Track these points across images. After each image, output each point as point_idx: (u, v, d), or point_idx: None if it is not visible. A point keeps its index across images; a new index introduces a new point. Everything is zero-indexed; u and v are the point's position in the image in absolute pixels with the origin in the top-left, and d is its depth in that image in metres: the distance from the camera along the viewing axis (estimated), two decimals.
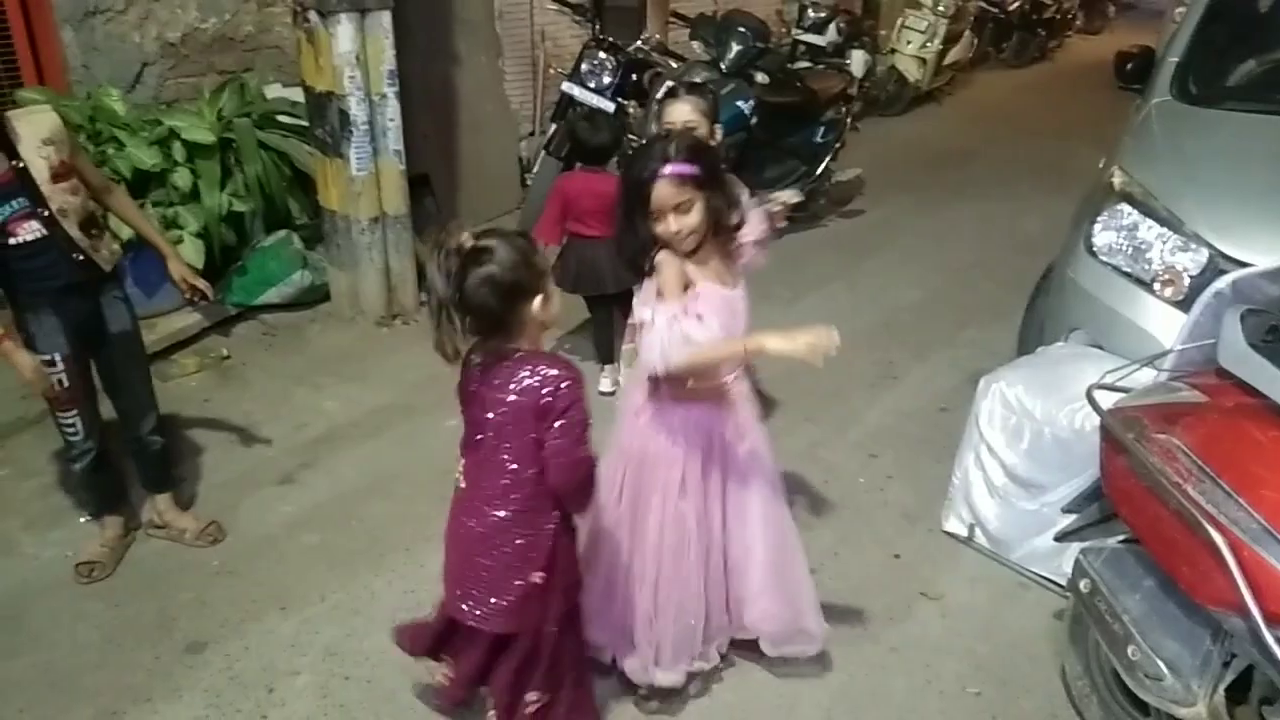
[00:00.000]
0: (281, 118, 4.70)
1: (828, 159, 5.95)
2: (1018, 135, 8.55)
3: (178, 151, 4.08)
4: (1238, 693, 2.00)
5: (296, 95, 4.91)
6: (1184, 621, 2.01)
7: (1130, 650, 2.05)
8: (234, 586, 2.88)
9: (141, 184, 4.02)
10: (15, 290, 2.61)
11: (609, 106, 5.48)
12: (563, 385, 1.84)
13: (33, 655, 2.60)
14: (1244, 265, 2.60)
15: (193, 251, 4.00)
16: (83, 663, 2.58)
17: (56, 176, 2.54)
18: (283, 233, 4.53)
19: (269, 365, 4.21)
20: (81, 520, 3.12)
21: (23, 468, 3.41)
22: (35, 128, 2.54)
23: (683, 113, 2.90)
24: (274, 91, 4.88)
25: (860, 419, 3.88)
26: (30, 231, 2.52)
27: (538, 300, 1.86)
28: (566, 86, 5.55)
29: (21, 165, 2.49)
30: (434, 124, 5.50)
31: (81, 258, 2.61)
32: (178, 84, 4.76)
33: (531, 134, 6.71)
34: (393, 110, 4.23)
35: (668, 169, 2.08)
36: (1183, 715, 1.99)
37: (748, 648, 2.54)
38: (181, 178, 4.04)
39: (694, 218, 2.11)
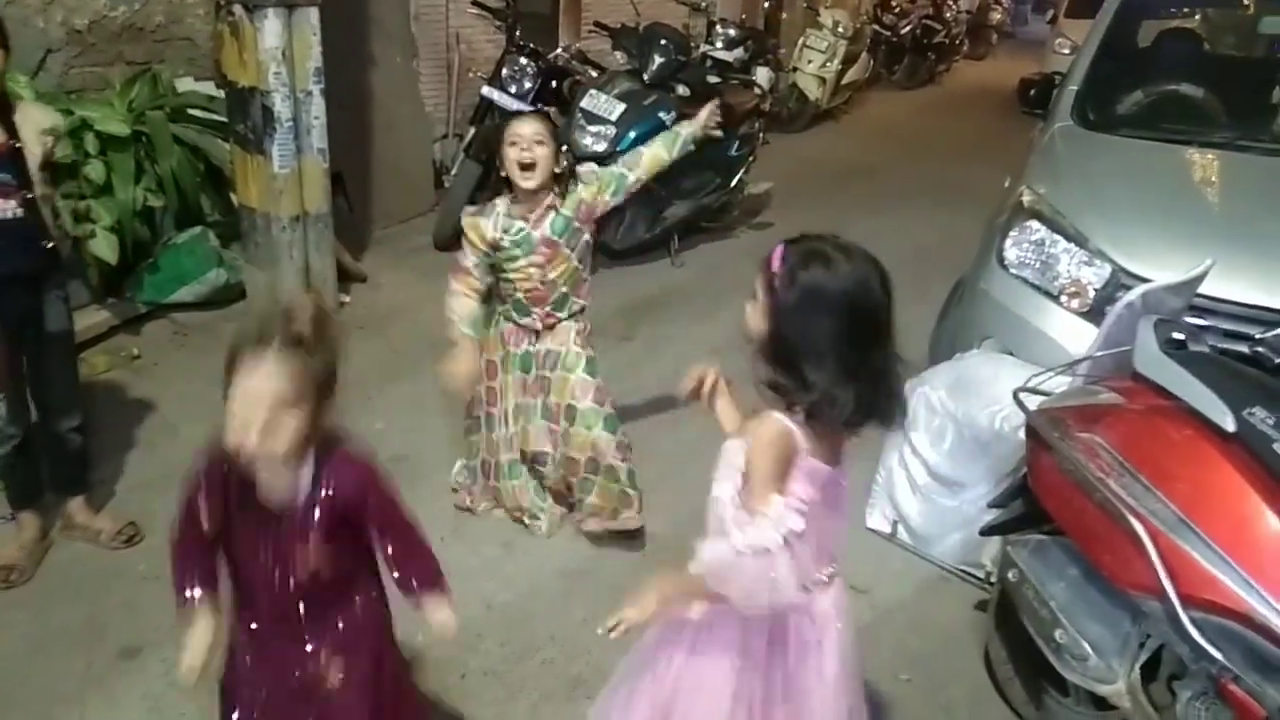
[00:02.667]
0: (195, 112, 4.57)
1: (741, 172, 6.12)
2: (914, 153, 8.93)
3: (90, 143, 3.93)
4: (1149, 670, 2.19)
5: (209, 89, 4.79)
6: (1105, 606, 2.18)
7: (1057, 634, 2.20)
8: (163, 590, 2.70)
9: (50, 175, 3.84)
10: None
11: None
12: None
13: None
14: (1143, 280, 2.82)
15: (106, 246, 3.85)
16: (9, 672, 2.47)
17: (43, 167, 2.55)
18: (197, 229, 4.41)
19: (183, 365, 4.08)
20: None
21: None
22: (41, 116, 2.58)
23: (532, 127, 2.91)
24: (186, 85, 4.74)
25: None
26: (4, 210, 2.46)
27: None
28: (487, 91, 5.57)
29: (18, 145, 2.48)
30: (348, 124, 5.43)
31: (50, 245, 2.56)
32: (83, 73, 4.57)
33: (445, 136, 6.69)
34: (318, 108, 4.18)
35: None
36: (1104, 692, 2.16)
37: None
38: (94, 170, 3.89)
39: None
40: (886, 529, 3.25)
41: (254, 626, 1.77)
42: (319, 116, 4.19)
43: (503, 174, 2.88)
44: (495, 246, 2.87)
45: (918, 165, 8.45)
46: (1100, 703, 2.30)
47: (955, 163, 8.36)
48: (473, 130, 5.54)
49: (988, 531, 2.62)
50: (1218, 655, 1.91)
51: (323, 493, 1.65)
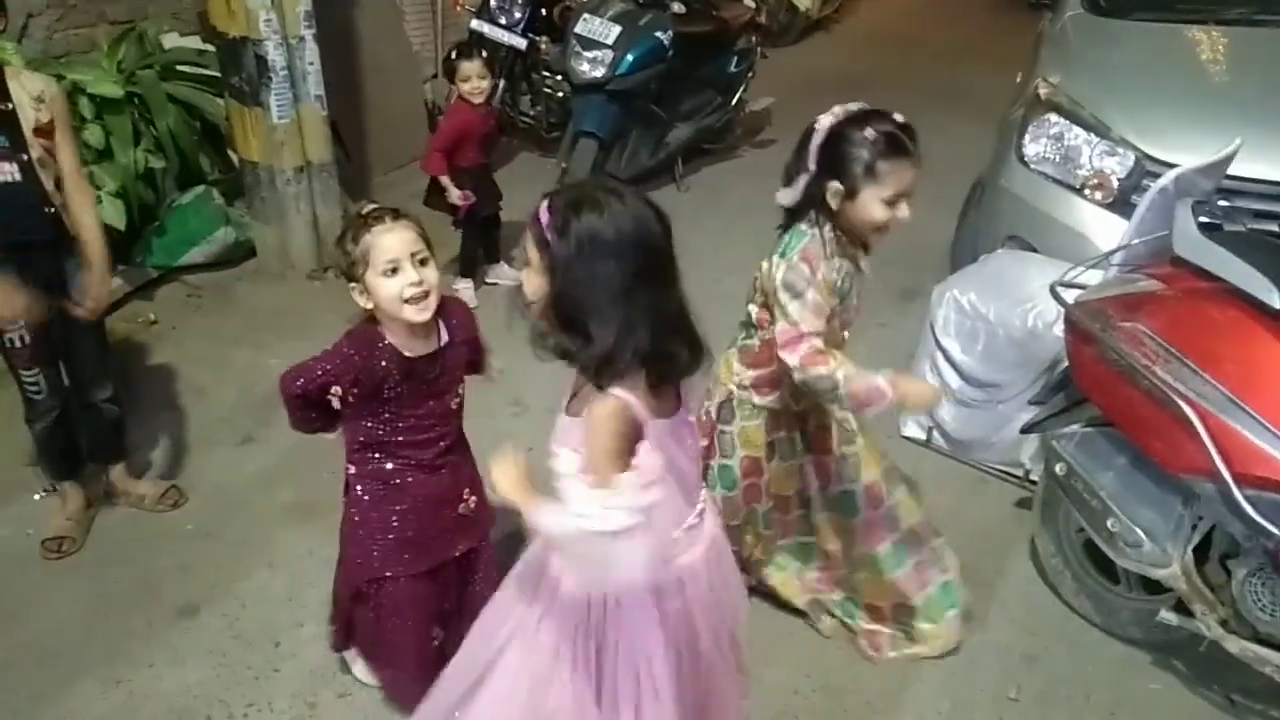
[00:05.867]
0: (184, 68, 4.47)
1: (741, 89, 6.00)
2: (911, 59, 8.74)
3: (85, 107, 3.85)
4: (1201, 552, 2.21)
5: (196, 44, 4.68)
6: (1156, 492, 2.19)
7: (1110, 523, 2.23)
8: (214, 548, 2.82)
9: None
10: None
11: (521, 43, 5.40)
12: None
13: (13, 635, 2.51)
14: (1168, 165, 2.77)
15: (113, 212, 3.80)
16: (71, 637, 2.50)
17: (39, 132, 2.47)
18: (200, 188, 4.34)
19: (201, 328, 4.06)
20: (36, 497, 2.99)
21: None
22: (33, 84, 2.50)
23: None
24: (172, 41, 4.63)
25: None
26: (3, 173, 2.42)
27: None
28: (476, 24, 5.44)
29: (10, 107, 2.42)
30: (335, 69, 5.31)
31: (53, 211, 2.50)
32: (67, 36, 4.46)
33: (435, 76, 6.55)
34: (311, 53, 4.08)
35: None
36: (1159, 575, 2.19)
37: None
38: (93, 135, 3.82)
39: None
40: (922, 436, 3.26)
41: (412, 471, 2.08)
42: (313, 62, 4.10)
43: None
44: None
45: (916, 70, 8.28)
46: (1152, 587, 2.33)
47: (954, 65, 8.19)
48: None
49: (1029, 429, 2.62)
50: (1275, 530, 1.93)
51: (457, 336, 2.04)
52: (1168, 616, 2.24)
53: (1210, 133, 2.87)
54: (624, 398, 1.43)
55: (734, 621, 1.77)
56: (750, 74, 6.10)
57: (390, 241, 1.89)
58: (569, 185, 1.55)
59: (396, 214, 1.95)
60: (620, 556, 1.42)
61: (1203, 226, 2.32)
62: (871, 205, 2.03)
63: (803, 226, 2.11)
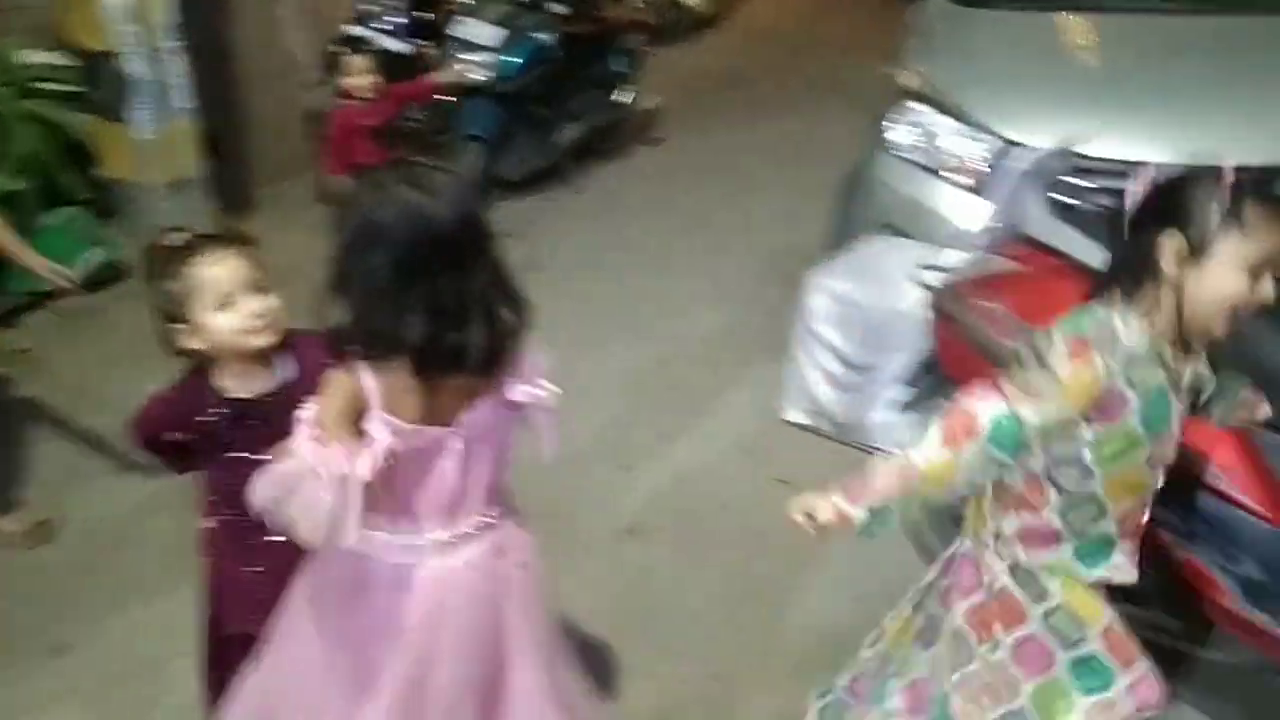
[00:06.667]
0: (45, 85, 4.29)
1: (629, 88, 6.03)
2: (799, 54, 8.89)
3: None
4: None
5: (57, 59, 4.50)
6: None
7: None
8: (90, 582, 2.73)
9: None
10: None
11: (404, 48, 5.33)
12: None
13: None
14: (1027, 149, 2.89)
15: None
16: None
17: None
18: (67, 210, 4.18)
19: (76, 353, 3.91)
20: None
21: None
22: None
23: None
24: (33, 57, 4.44)
25: (697, 326, 4.09)
26: None
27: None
28: (358, 30, 5.35)
29: None
30: (212, 80, 5.18)
31: None
32: None
33: (319, 83, 6.42)
34: (177, 66, 3.97)
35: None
36: None
37: None
38: None
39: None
40: (806, 420, 3.32)
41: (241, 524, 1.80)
42: (180, 75, 3.98)
43: None
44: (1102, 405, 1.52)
45: (804, 65, 8.43)
46: None
47: (842, 56, 8.34)
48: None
49: (904, 408, 2.70)
50: None
51: (304, 373, 1.77)
52: None
53: (1064, 115, 3.00)
54: (358, 378, 1.42)
55: (499, 675, 1.67)
56: (638, 73, 6.14)
57: (220, 273, 1.70)
58: (377, 168, 1.53)
59: (219, 239, 1.77)
60: (307, 499, 1.39)
61: (1057, 206, 2.43)
62: (1227, 271, 1.42)
63: (1097, 308, 1.51)
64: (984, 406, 1.49)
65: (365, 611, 1.60)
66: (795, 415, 3.34)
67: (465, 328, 1.40)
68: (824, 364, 3.20)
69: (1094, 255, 2.15)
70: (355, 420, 1.42)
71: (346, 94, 4.03)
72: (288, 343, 1.79)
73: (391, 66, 5.29)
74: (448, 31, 5.12)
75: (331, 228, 1.44)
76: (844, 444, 3.23)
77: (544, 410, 1.56)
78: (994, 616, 1.70)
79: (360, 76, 3.98)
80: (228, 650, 1.93)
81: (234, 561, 1.88)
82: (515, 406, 1.54)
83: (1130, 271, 1.49)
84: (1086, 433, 1.52)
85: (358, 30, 5.34)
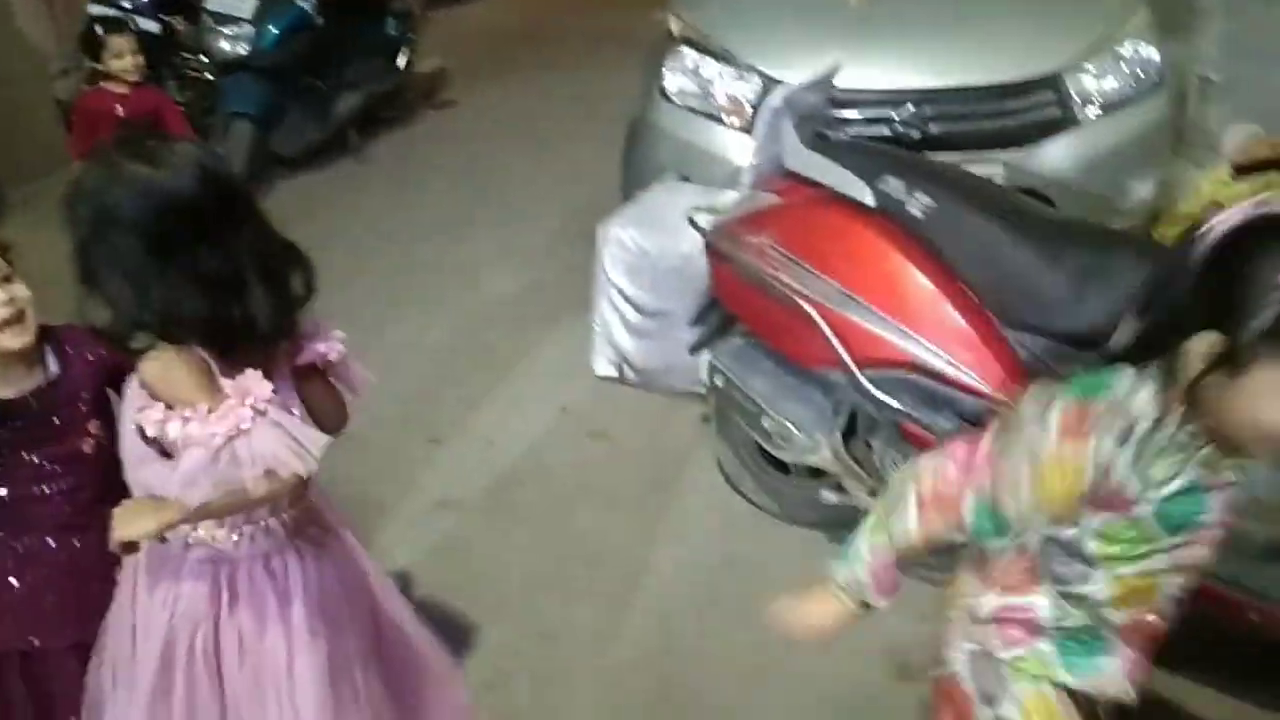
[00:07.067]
0: None
1: (406, 51, 5.86)
2: (580, 7, 8.86)
3: None
4: (848, 436, 2.43)
5: None
6: (800, 387, 2.39)
7: (764, 422, 2.41)
8: None
9: None
10: None
11: (154, 26, 4.97)
12: None
13: None
14: (786, 85, 2.98)
15: None
16: None
17: None
18: None
19: None
20: None
21: None
22: None
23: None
24: None
25: (498, 290, 4.05)
26: None
27: None
28: (99, 9, 4.94)
29: None
30: None
31: None
32: None
33: (65, 72, 5.91)
34: None
35: None
36: (813, 461, 2.40)
37: None
38: None
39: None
40: (614, 373, 3.36)
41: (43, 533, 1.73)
42: None
43: None
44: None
45: (587, 17, 8.40)
46: (815, 472, 2.54)
47: (629, 8, 8.37)
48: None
49: (695, 349, 2.77)
50: (893, 403, 2.15)
51: (75, 365, 1.69)
52: (828, 496, 2.45)
53: (822, 49, 3.09)
54: (175, 350, 1.33)
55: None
56: (414, 35, 5.97)
57: None
58: (96, 153, 1.38)
59: None
60: (256, 451, 1.30)
61: (817, 138, 2.53)
62: (1272, 397, 1.07)
63: (1123, 373, 1.20)
64: (967, 489, 1.28)
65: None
66: (603, 368, 3.37)
67: (246, 296, 1.34)
68: (623, 314, 3.23)
69: (842, 181, 2.26)
70: (209, 375, 1.33)
71: (107, 76, 3.78)
72: (49, 336, 1.68)
73: (143, 46, 4.96)
74: (199, 3, 4.80)
75: (65, 219, 1.33)
76: (653, 391, 3.30)
77: (339, 365, 1.52)
78: (941, 701, 1.49)
79: (123, 58, 3.76)
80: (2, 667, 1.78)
81: (8, 575, 1.72)
82: (308, 373, 1.49)
83: (1149, 350, 1.20)
84: (1092, 519, 1.24)
85: (106, 10, 4.94)
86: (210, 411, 1.30)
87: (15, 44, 5.38)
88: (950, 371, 2.07)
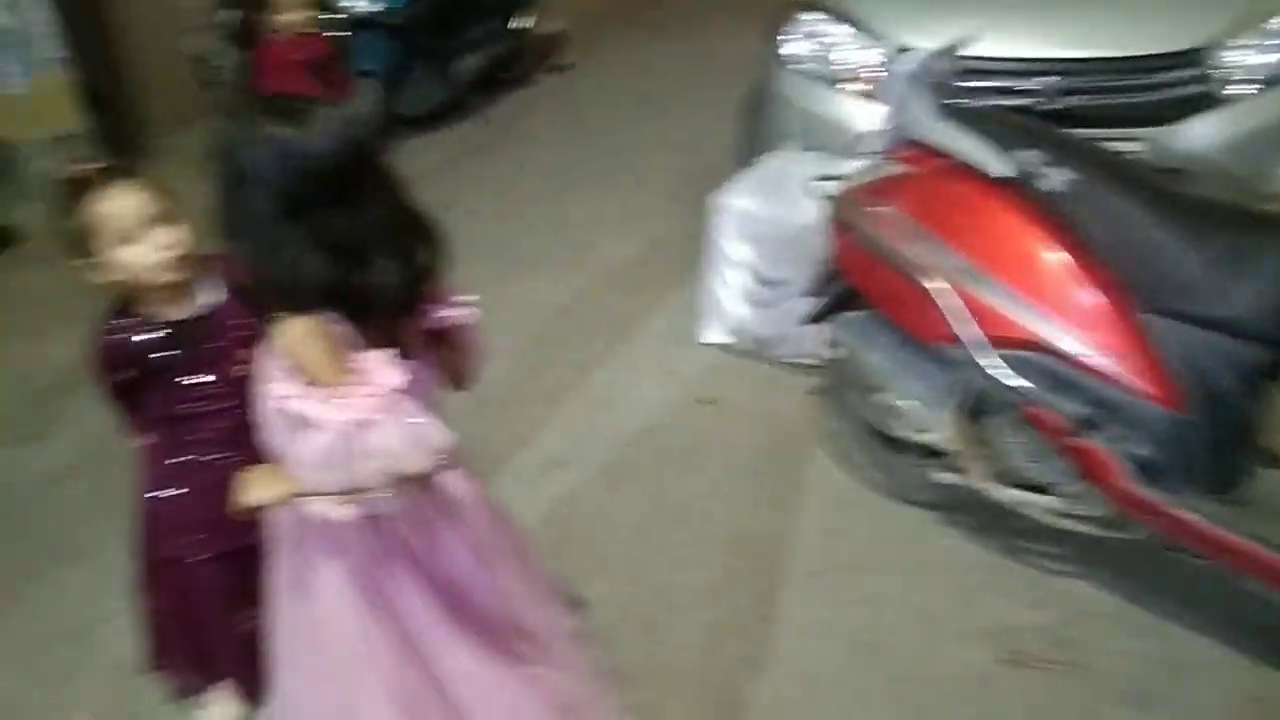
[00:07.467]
0: None
1: (528, 13, 5.91)
2: None
3: None
4: (966, 414, 2.38)
5: None
6: (921, 364, 2.34)
7: (882, 398, 2.37)
8: (4, 551, 2.67)
9: None
10: None
11: None
12: None
13: None
14: (916, 52, 2.90)
15: None
16: None
17: None
18: None
19: None
20: None
21: None
22: None
23: None
24: None
25: (612, 253, 4.07)
26: None
27: None
28: None
29: None
30: (83, 29, 4.92)
31: None
32: None
33: (198, 28, 6.14)
34: (41, 12, 3.75)
35: None
36: (930, 440, 2.35)
37: None
38: None
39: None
40: (725, 340, 3.36)
41: (201, 447, 1.83)
42: (46, 22, 3.77)
43: None
44: None
45: None
46: (929, 451, 2.50)
47: None
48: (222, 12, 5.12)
49: (812, 320, 2.74)
50: (1019, 385, 2.09)
51: (224, 295, 1.76)
52: (944, 476, 2.41)
53: (957, 17, 3.01)
54: (309, 318, 1.34)
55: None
56: None
57: (117, 209, 1.68)
58: (246, 103, 1.47)
59: (117, 171, 1.72)
60: (376, 446, 1.33)
61: (945, 107, 2.46)
62: None
63: None
64: None
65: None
66: (713, 336, 3.38)
67: (371, 265, 1.35)
68: (736, 282, 3.22)
69: (970, 151, 2.19)
70: (341, 351, 1.35)
71: (275, 30, 3.95)
72: (209, 265, 1.76)
73: None
74: None
75: (208, 173, 1.38)
76: (763, 360, 3.28)
77: (467, 329, 1.54)
78: None
79: (295, 11, 3.92)
80: (158, 576, 1.93)
81: (163, 484, 1.86)
82: (439, 336, 1.51)
83: None
84: None
85: None
86: (338, 393, 1.33)
87: (154, 1, 5.62)
88: (1081, 355, 2.01)
